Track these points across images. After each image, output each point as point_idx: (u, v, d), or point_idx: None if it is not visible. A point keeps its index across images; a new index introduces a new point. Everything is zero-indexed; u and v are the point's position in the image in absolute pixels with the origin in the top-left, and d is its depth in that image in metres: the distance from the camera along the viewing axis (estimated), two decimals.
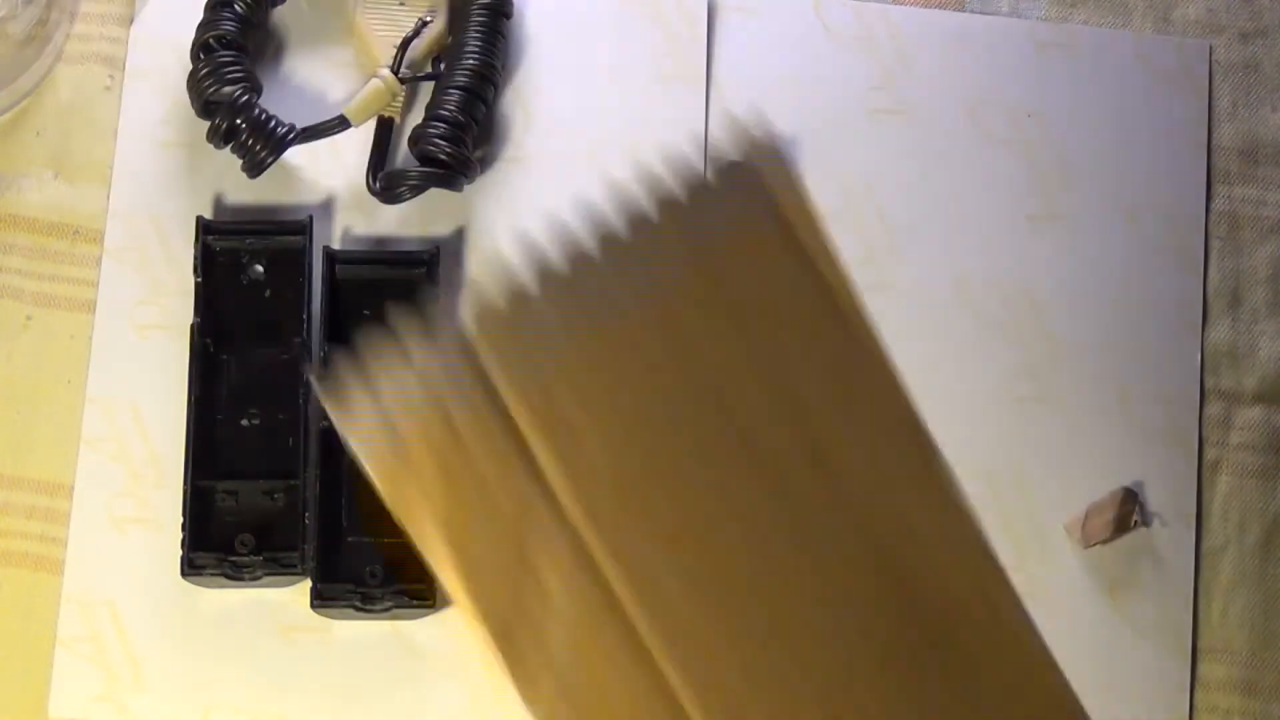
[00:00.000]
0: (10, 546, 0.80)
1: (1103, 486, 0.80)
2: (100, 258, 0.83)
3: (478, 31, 0.84)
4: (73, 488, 0.80)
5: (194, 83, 0.82)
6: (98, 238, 0.83)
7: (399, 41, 0.84)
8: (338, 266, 0.81)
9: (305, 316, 0.80)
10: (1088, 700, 0.59)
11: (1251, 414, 0.83)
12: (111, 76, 0.85)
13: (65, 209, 0.84)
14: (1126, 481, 0.80)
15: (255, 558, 0.77)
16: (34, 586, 0.79)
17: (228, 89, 0.82)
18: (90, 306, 0.82)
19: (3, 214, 0.84)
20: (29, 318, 0.83)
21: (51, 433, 0.81)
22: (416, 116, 0.84)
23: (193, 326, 0.80)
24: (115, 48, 0.86)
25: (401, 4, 0.85)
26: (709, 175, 0.56)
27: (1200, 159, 0.84)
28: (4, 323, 0.82)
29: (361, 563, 0.78)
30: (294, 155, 0.83)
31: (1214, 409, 0.83)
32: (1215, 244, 0.84)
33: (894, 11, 0.83)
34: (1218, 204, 0.85)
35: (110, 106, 0.85)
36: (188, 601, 0.79)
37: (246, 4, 0.83)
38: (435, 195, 0.83)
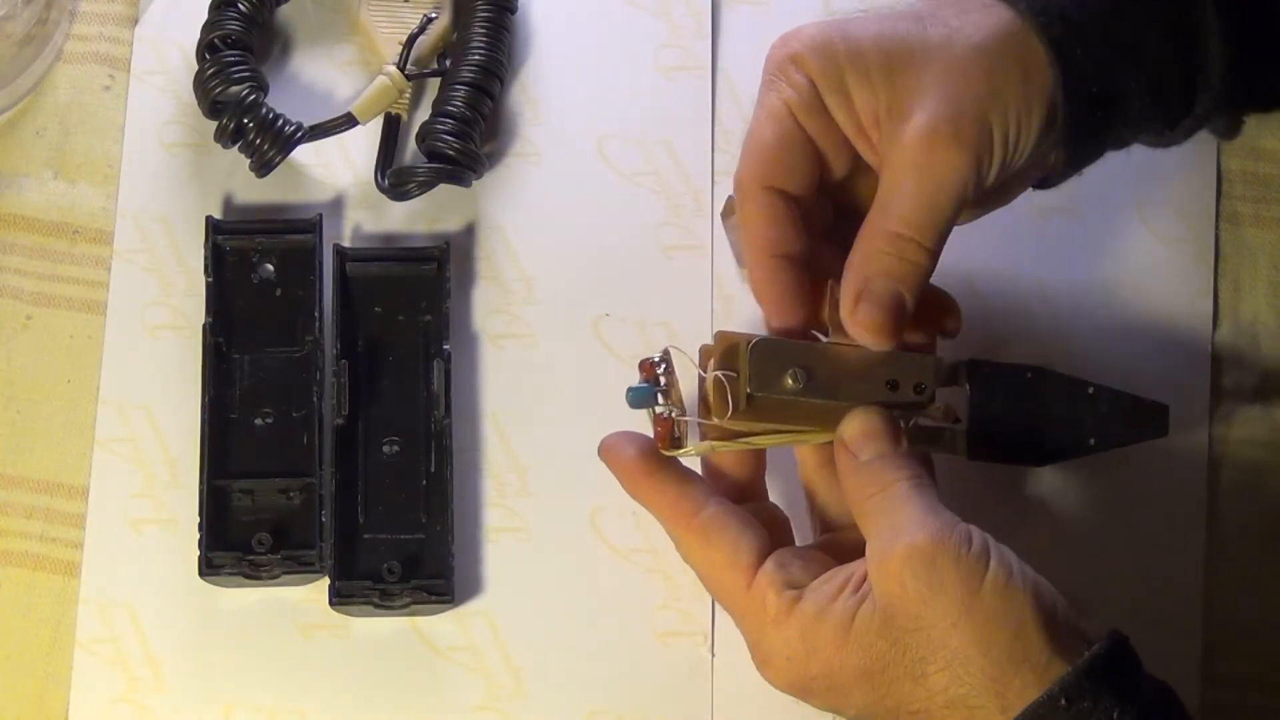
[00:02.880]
0: (12, 546, 0.79)
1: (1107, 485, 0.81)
2: (108, 258, 0.83)
3: (483, 27, 0.84)
4: (81, 488, 0.80)
5: (200, 83, 0.82)
6: (98, 237, 0.83)
7: (404, 38, 0.84)
8: (348, 264, 0.81)
9: (317, 314, 0.80)
10: None
11: (1253, 408, 0.83)
12: (111, 76, 0.85)
13: (65, 209, 0.84)
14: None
15: (273, 556, 0.77)
16: (37, 587, 0.79)
17: (234, 88, 0.82)
18: (90, 306, 0.82)
19: (3, 214, 0.83)
20: (29, 318, 0.82)
21: (53, 432, 0.81)
22: (423, 113, 0.84)
23: (204, 326, 0.80)
24: (115, 47, 0.86)
25: (405, 1, 0.85)
26: None
27: (1211, 150, 0.84)
28: (4, 323, 0.82)
29: (379, 559, 0.78)
30: (302, 154, 0.83)
31: (1217, 403, 0.83)
32: (1222, 235, 0.85)
33: (903, 2, 0.83)
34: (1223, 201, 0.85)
35: (110, 106, 0.85)
36: (206, 601, 0.79)
37: (251, 3, 0.83)
38: (444, 191, 0.83)
